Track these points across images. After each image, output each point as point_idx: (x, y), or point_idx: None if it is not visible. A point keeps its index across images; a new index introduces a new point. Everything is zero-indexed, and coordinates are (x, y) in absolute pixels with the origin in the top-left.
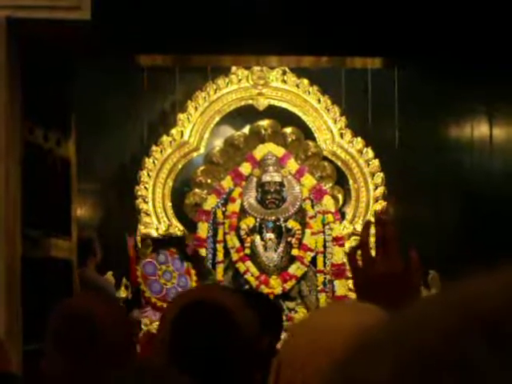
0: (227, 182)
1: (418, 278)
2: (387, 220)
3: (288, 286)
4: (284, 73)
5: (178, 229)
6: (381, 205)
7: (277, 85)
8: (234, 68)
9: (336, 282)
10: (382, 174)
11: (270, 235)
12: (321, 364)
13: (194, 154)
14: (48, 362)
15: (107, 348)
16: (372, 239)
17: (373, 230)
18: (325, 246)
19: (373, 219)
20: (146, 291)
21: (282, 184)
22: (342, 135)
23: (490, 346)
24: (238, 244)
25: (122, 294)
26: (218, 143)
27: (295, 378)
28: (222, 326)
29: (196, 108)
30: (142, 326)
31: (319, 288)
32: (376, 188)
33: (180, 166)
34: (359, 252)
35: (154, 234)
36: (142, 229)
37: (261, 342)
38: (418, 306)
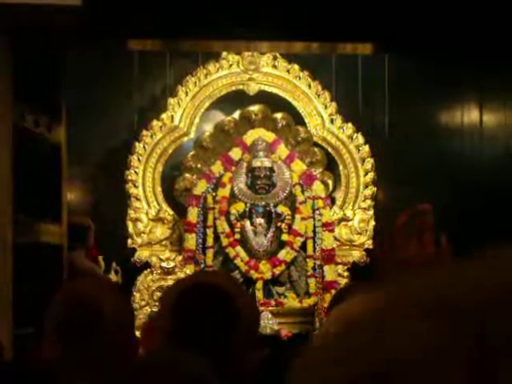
0: (217, 167)
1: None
2: (427, 210)
3: (278, 270)
4: (275, 58)
5: (167, 213)
6: (371, 190)
7: (267, 70)
8: (224, 53)
9: (325, 268)
10: (372, 160)
11: (259, 220)
12: None
13: (185, 139)
14: (47, 347)
15: (110, 336)
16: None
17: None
18: (314, 232)
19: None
20: None
21: (272, 169)
22: (332, 121)
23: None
24: (227, 229)
25: (112, 278)
26: (209, 128)
27: None
28: (221, 310)
29: (186, 93)
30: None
31: (309, 273)
32: (366, 174)
33: (170, 151)
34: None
35: (144, 218)
36: (131, 213)
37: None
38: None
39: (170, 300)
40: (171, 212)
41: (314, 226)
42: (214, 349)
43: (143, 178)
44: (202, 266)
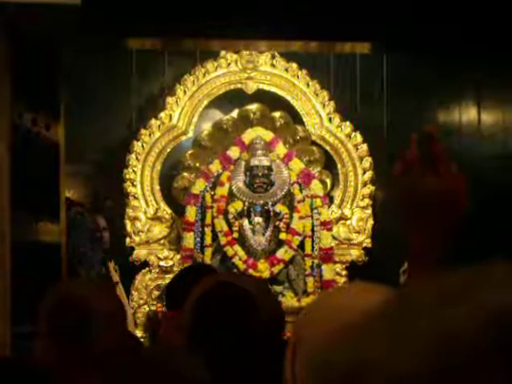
0: (215, 166)
1: (466, 196)
2: (435, 136)
3: (276, 269)
4: (273, 57)
5: (166, 212)
6: (369, 189)
7: (266, 69)
8: (223, 52)
9: (324, 267)
10: (370, 159)
11: (258, 219)
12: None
13: (183, 138)
14: (41, 347)
15: (102, 335)
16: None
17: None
18: (313, 230)
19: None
20: None
21: (270, 168)
22: (330, 119)
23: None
24: (226, 228)
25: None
26: (207, 127)
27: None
28: (243, 309)
29: (185, 92)
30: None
31: (307, 272)
32: (364, 172)
33: (168, 150)
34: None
35: (143, 217)
36: (130, 212)
37: (283, 326)
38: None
39: (193, 298)
40: (169, 211)
41: (313, 225)
42: (231, 347)
43: (141, 177)
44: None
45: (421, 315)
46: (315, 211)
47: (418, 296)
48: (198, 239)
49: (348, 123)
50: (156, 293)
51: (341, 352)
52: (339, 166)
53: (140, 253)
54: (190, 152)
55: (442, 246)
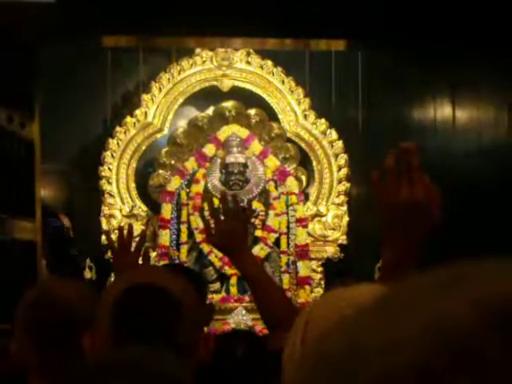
0: (191, 163)
1: (438, 208)
2: (412, 148)
3: None
4: (248, 54)
5: (141, 210)
6: (344, 186)
7: (241, 66)
8: (198, 49)
9: (299, 263)
10: (345, 156)
11: None
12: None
13: (158, 135)
14: (18, 347)
15: (82, 336)
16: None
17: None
18: (288, 227)
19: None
20: None
21: (245, 165)
22: (305, 117)
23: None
24: (201, 225)
25: (87, 274)
26: (182, 124)
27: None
28: (165, 309)
29: (160, 89)
30: None
31: (283, 269)
32: (339, 169)
33: (144, 147)
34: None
35: (118, 215)
36: (105, 210)
37: (206, 320)
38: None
39: (111, 298)
40: (145, 208)
41: (288, 222)
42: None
43: (117, 175)
44: (177, 261)
45: (414, 305)
46: (291, 208)
47: (412, 287)
48: (174, 236)
49: (323, 120)
50: None
51: (334, 343)
52: (314, 162)
53: None
54: (165, 149)
55: (416, 254)
